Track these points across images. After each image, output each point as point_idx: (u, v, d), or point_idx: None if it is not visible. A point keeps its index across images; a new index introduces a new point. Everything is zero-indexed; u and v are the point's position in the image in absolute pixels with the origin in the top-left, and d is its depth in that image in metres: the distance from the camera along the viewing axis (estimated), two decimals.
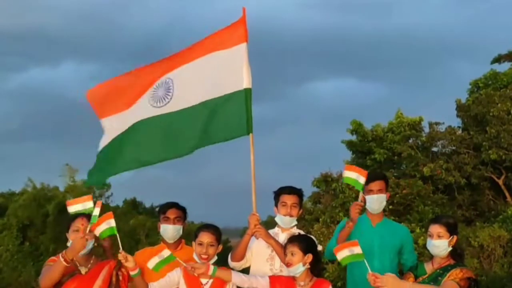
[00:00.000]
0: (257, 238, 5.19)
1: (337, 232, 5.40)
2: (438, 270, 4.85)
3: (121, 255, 4.64)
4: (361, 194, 5.22)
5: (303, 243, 4.81)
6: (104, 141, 5.93)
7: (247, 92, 5.52)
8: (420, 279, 4.87)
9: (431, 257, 5.07)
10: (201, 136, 5.61)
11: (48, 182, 31.07)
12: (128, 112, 5.88)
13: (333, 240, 5.39)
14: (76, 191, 30.43)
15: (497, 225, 18.49)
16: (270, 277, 4.86)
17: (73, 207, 5.03)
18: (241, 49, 5.61)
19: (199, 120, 5.62)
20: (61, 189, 31.28)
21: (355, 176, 5.15)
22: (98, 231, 4.75)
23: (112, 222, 4.78)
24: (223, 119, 5.58)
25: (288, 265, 4.74)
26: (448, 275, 4.74)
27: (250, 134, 5.44)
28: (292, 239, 4.83)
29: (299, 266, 4.72)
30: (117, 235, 4.78)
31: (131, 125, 5.81)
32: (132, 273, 4.68)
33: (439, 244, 4.85)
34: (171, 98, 5.71)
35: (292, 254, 4.73)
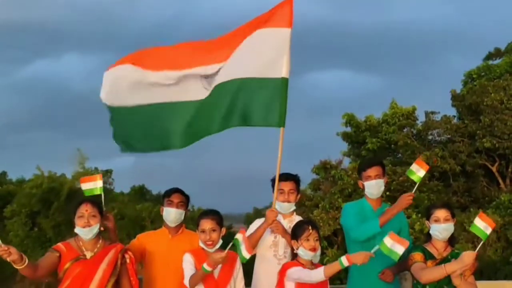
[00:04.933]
0: (273, 233, 5.17)
1: (351, 214, 5.36)
2: (448, 257, 4.85)
3: None
4: (416, 187, 5.23)
5: (318, 229, 4.86)
6: (126, 98, 5.54)
7: (284, 82, 5.23)
8: (434, 263, 4.84)
9: (425, 241, 5.07)
10: (231, 115, 5.31)
11: (55, 169, 31.11)
12: (174, 77, 5.48)
13: (355, 223, 5.31)
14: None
15: (491, 211, 18.53)
16: (287, 265, 4.79)
17: (85, 185, 5.19)
18: (285, 34, 5.26)
19: (231, 96, 5.30)
20: (69, 176, 31.31)
21: (415, 168, 5.22)
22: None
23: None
24: (257, 104, 5.26)
25: (313, 250, 4.70)
26: None
27: (282, 128, 5.20)
28: (314, 226, 4.81)
29: (319, 251, 4.77)
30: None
31: (180, 101, 5.45)
32: None
33: (448, 227, 4.90)
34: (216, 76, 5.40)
35: (316, 240, 4.74)
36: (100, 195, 5.08)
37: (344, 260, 4.47)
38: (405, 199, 5.14)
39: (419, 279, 4.80)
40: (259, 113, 5.26)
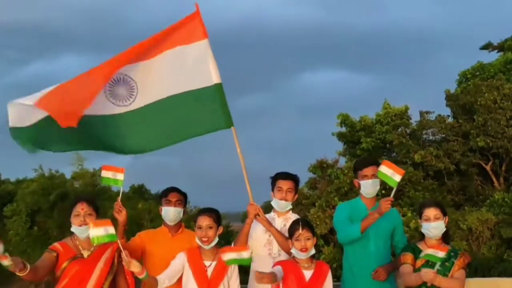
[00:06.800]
0: (267, 232, 5.17)
1: (341, 216, 5.33)
2: None
3: (126, 262, 4.44)
4: (394, 191, 5.13)
5: (312, 227, 4.82)
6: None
7: (218, 87, 5.41)
8: (424, 260, 4.85)
9: (420, 239, 5.06)
10: (176, 130, 5.47)
11: (54, 169, 31.18)
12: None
13: (342, 225, 5.30)
14: (84, 178, 30.63)
15: (485, 209, 18.58)
16: (278, 263, 4.77)
17: (104, 173, 5.11)
18: (203, 45, 5.47)
19: (169, 114, 5.46)
20: (68, 176, 31.40)
21: (390, 173, 5.09)
22: (93, 234, 4.41)
23: (110, 230, 4.43)
24: (197, 114, 5.43)
25: (304, 250, 4.67)
26: (455, 263, 4.82)
27: (232, 128, 5.34)
28: (304, 225, 4.77)
29: (312, 250, 4.71)
30: (119, 243, 4.50)
31: (92, 114, 5.33)
32: (140, 277, 4.50)
33: (438, 225, 4.88)
34: (135, 97, 5.46)
35: (307, 239, 4.69)
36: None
37: None
38: (384, 204, 5.03)
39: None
40: (203, 121, 5.43)
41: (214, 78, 5.41)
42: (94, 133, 5.39)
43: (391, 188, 5.08)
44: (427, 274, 4.60)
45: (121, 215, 4.99)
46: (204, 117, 5.43)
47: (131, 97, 5.45)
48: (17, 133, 5.34)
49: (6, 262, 4.21)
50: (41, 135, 5.35)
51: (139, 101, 5.45)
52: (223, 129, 5.38)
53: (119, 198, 5.04)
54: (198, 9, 5.54)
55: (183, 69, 5.48)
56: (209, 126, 5.44)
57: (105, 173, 5.13)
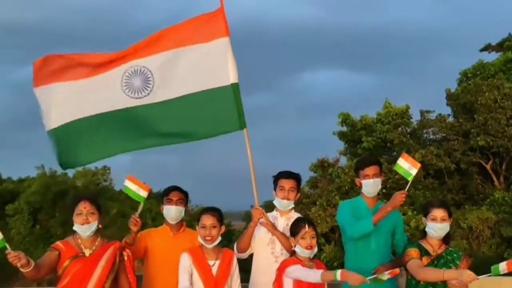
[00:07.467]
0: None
1: (347, 213, 5.32)
2: (443, 255, 4.88)
3: None
4: (409, 185, 5.19)
5: (315, 226, 4.85)
6: (58, 118, 5.49)
7: (234, 87, 5.35)
8: (429, 259, 4.84)
9: (421, 237, 5.06)
10: (189, 130, 5.44)
11: (56, 168, 31.22)
12: (87, 84, 5.47)
13: (350, 221, 5.26)
14: (85, 177, 30.70)
15: (485, 208, 18.60)
16: (285, 262, 4.77)
17: (129, 184, 5.09)
18: (223, 43, 5.39)
19: (183, 113, 5.42)
20: (70, 175, 31.43)
21: (407, 166, 5.14)
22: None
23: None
24: (212, 114, 5.38)
25: (309, 248, 4.69)
26: (459, 265, 4.80)
27: (244, 129, 5.31)
28: (310, 223, 4.80)
29: (316, 248, 4.74)
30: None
31: (105, 112, 5.44)
32: None
33: (444, 227, 4.88)
34: (151, 90, 5.42)
35: (312, 238, 4.72)
36: (139, 203, 5.06)
37: (338, 275, 4.42)
38: (399, 197, 5.09)
39: (415, 276, 4.78)
40: (218, 122, 5.37)
41: (231, 77, 5.34)
42: (110, 131, 5.43)
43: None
44: (470, 277, 4.42)
45: (136, 228, 4.95)
46: (219, 118, 5.38)
47: (147, 89, 5.42)
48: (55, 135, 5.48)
49: (11, 256, 4.32)
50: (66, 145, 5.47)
51: (155, 95, 5.41)
52: (237, 130, 5.33)
53: (137, 213, 5.01)
54: (222, 5, 5.44)
55: (201, 66, 5.42)
56: (224, 127, 5.39)
57: (129, 184, 5.09)
